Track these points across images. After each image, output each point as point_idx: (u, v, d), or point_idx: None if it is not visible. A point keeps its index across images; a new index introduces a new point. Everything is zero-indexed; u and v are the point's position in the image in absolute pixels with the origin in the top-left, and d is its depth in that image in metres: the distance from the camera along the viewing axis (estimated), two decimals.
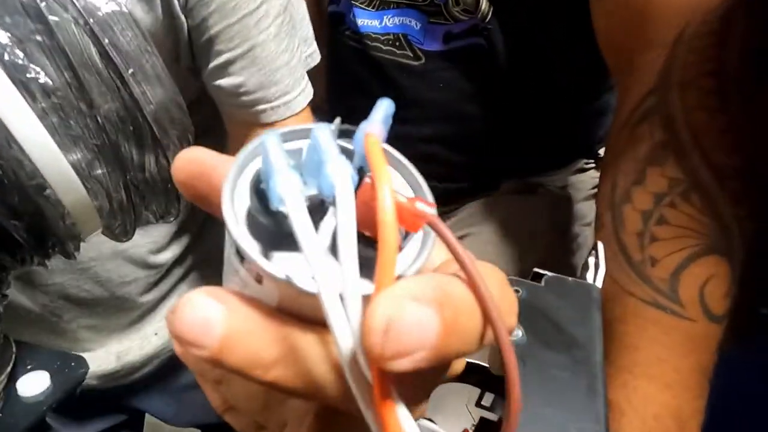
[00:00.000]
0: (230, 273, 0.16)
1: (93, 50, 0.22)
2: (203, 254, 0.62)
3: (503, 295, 0.15)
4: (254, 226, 0.15)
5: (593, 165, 0.76)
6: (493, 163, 0.70)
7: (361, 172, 0.16)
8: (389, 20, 0.64)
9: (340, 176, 0.13)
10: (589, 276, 0.26)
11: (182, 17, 0.42)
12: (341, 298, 0.13)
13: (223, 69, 0.44)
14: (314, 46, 0.51)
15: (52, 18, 0.21)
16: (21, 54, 0.20)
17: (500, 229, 0.70)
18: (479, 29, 0.59)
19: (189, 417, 0.69)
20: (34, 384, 0.27)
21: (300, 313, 0.14)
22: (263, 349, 0.14)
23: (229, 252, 0.16)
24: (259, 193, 0.15)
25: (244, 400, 0.18)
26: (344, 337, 0.13)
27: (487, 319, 0.14)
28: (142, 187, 0.27)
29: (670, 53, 0.41)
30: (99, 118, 0.23)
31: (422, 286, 0.13)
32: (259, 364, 0.14)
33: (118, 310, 0.55)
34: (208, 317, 0.13)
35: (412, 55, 0.64)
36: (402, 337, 0.12)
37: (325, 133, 0.14)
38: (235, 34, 0.42)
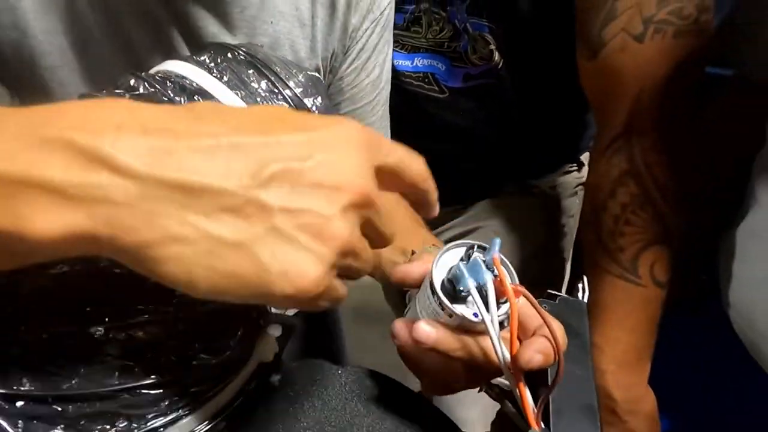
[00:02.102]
0: (427, 308, 0.35)
1: None
2: None
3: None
4: (444, 290, 0.34)
5: (575, 168, 0.93)
6: (498, 170, 0.86)
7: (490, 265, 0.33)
8: (420, 62, 0.81)
9: (489, 284, 0.32)
10: (580, 295, 0.46)
11: None
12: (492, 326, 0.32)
13: None
14: None
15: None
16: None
17: (504, 222, 0.87)
18: (492, 73, 0.76)
19: None
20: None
21: (467, 329, 0.34)
22: (452, 345, 0.34)
23: (430, 300, 0.34)
24: (450, 281, 0.33)
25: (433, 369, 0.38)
26: (498, 345, 0.32)
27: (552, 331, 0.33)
28: None
29: (631, 108, 0.60)
30: None
31: (540, 342, 0.33)
32: (451, 349, 0.34)
33: None
34: (429, 332, 0.34)
35: (437, 90, 0.80)
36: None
37: (479, 262, 0.33)
38: (357, 116, 0.56)
